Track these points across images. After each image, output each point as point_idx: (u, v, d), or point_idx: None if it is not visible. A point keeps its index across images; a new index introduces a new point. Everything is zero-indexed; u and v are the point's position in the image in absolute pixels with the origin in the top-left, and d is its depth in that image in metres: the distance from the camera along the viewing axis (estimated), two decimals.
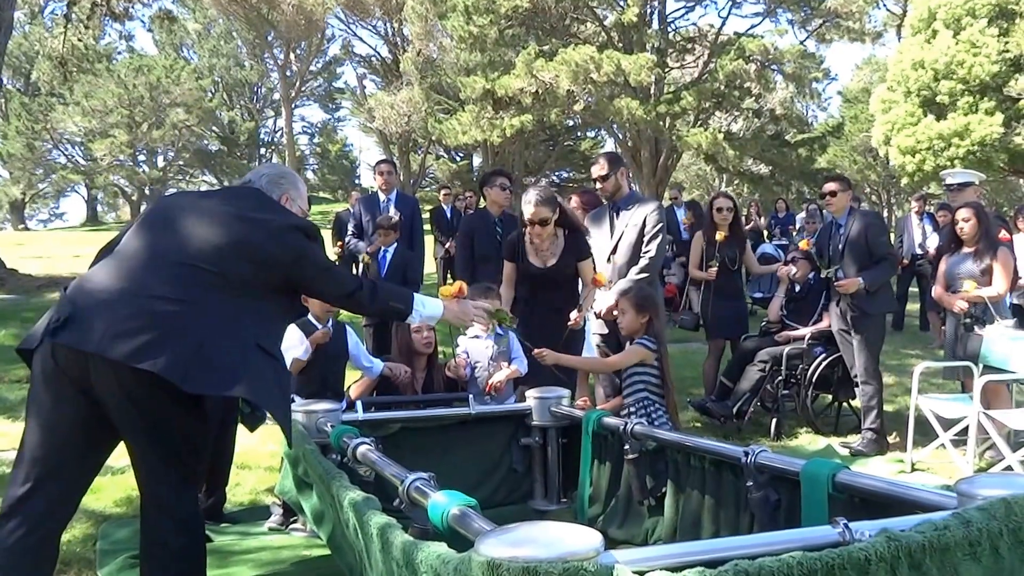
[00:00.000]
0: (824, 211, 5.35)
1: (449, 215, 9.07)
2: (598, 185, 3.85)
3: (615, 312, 3.61)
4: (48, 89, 26.51)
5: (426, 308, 2.21)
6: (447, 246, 8.53)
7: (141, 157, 30.78)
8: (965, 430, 3.74)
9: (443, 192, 10.15)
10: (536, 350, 3.08)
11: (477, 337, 3.40)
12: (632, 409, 3.00)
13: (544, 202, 3.35)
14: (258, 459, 3.93)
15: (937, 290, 4.30)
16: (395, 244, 4.95)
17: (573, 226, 3.53)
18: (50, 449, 1.86)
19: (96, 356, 1.78)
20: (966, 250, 4.14)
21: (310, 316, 3.35)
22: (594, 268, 3.63)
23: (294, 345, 3.25)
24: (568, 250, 3.48)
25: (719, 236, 4.71)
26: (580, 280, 3.56)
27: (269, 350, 1.96)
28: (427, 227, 9.12)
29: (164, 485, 1.91)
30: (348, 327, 3.44)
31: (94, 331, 1.78)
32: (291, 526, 2.96)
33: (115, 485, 3.44)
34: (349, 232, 5.35)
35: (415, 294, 2.23)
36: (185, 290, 1.86)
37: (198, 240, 1.94)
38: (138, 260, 1.92)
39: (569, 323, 3.39)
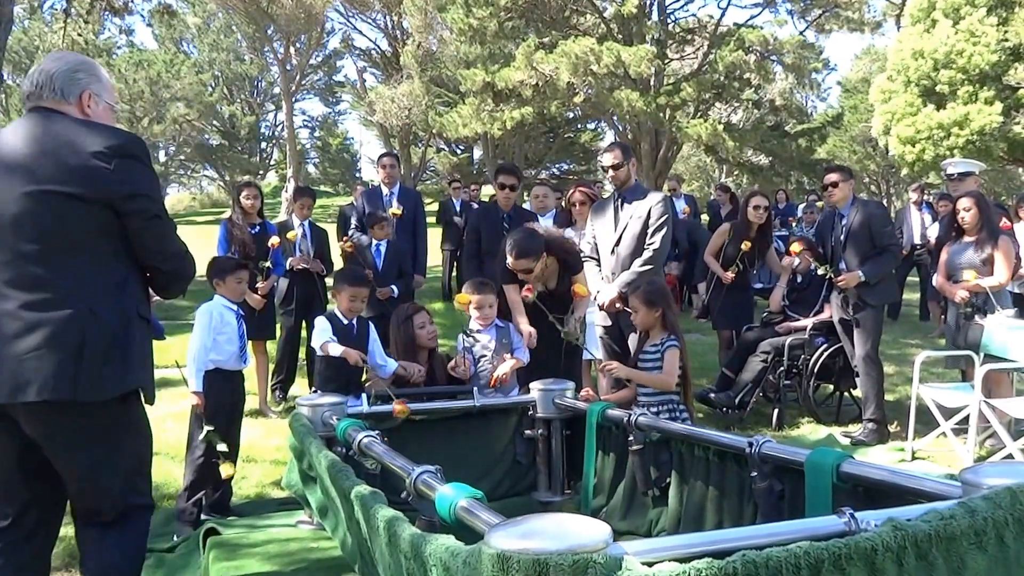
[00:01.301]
0: (824, 202, 5.34)
1: (459, 207, 9.17)
2: (610, 173, 3.82)
3: (618, 304, 3.62)
4: None
5: None
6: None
7: None
8: (966, 419, 3.76)
9: (453, 185, 10.27)
10: (605, 364, 3.13)
11: (479, 331, 3.41)
12: (655, 410, 2.98)
13: (524, 254, 3.31)
14: (264, 453, 3.95)
15: (939, 279, 4.30)
16: (387, 240, 4.93)
17: (562, 253, 3.52)
18: (4, 481, 1.78)
19: None
20: (967, 239, 4.14)
21: (335, 310, 3.36)
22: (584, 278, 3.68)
23: (325, 329, 3.27)
24: (564, 271, 3.52)
25: (745, 246, 4.69)
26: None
27: (144, 315, 1.79)
28: (434, 219, 9.21)
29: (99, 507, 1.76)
30: (371, 324, 3.47)
31: None
32: (298, 520, 2.97)
33: None
34: (352, 226, 5.36)
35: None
36: (31, 291, 1.63)
37: (13, 221, 1.64)
38: None
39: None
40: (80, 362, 1.64)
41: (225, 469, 2.93)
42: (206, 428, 2.92)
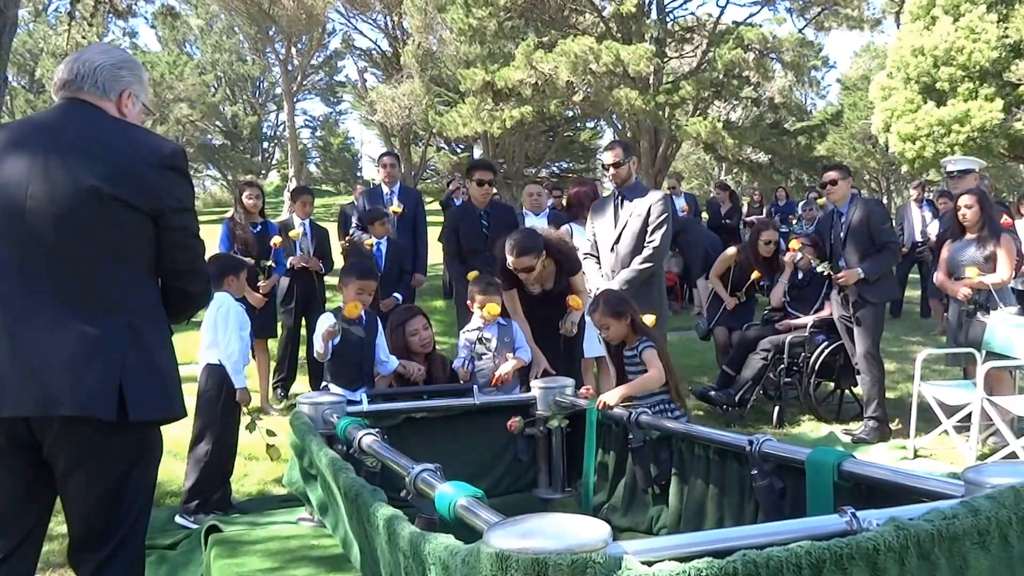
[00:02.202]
0: (826, 199, 5.33)
1: (456, 204, 9.26)
2: (611, 171, 3.82)
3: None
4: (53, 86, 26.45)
5: None
6: None
7: None
8: (968, 417, 3.74)
9: (452, 185, 10.37)
10: (601, 400, 3.03)
11: (480, 329, 3.40)
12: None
13: (525, 252, 3.29)
14: (266, 450, 3.95)
15: (939, 277, 4.29)
16: (387, 237, 4.92)
17: (559, 254, 3.51)
18: (7, 510, 1.63)
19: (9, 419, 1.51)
20: (969, 236, 4.13)
21: (342, 305, 3.37)
22: (584, 276, 3.69)
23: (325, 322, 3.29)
24: (561, 272, 3.51)
25: (755, 275, 4.75)
26: (574, 289, 3.58)
27: (170, 337, 1.69)
28: (440, 218, 9.28)
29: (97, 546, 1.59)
30: (379, 319, 3.48)
31: None
32: (299, 517, 2.98)
33: None
34: (353, 225, 5.36)
35: None
36: (72, 297, 1.51)
37: (59, 218, 1.50)
38: (10, 282, 1.52)
39: (561, 331, 3.46)
40: (124, 380, 1.52)
41: (272, 453, 2.98)
42: (251, 417, 2.98)
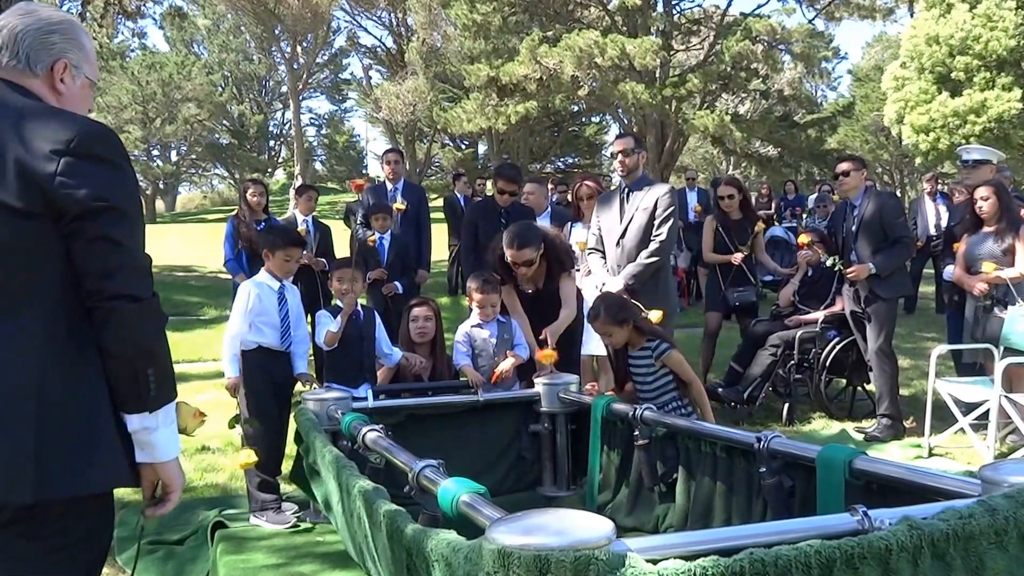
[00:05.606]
0: (836, 192, 5.26)
1: (462, 203, 9.23)
2: (619, 158, 3.77)
3: (624, 296, 3.57)
4: None
5: (161, 420, 1.24)
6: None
7: (155, 152, 31.28)
8: (985, 414, 3.67)
9: (462, 180, 10.33)
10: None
11: (480, 326, 3.38)
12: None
13: (525, 244, 3.26)
14: None
15: (957, 271, 4.20)
16: (390, 232, 4.93)
17: (555, 251, 3.47)
18: None
19: None
20: (987, 230, 4.04)
21: (338, 302, 3.36)
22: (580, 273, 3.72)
23: (323, 324, 3.25)
24: (554, 271, 3.47)
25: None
26: (561, 292, 3.48)
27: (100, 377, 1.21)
28: (441, 215, 9.23)
29: None
30: (376, 313, 3.47)
31: None
32: (305, 513, 2.97)
33: None
34: (358, 222, 5.36)
35: (176, 403, 1.31)
36: None
37: None
38: None
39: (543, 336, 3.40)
40: (38, 449, 1.15)
41: (245, 455, 2.80)
42: (238, 412, 2.83)
